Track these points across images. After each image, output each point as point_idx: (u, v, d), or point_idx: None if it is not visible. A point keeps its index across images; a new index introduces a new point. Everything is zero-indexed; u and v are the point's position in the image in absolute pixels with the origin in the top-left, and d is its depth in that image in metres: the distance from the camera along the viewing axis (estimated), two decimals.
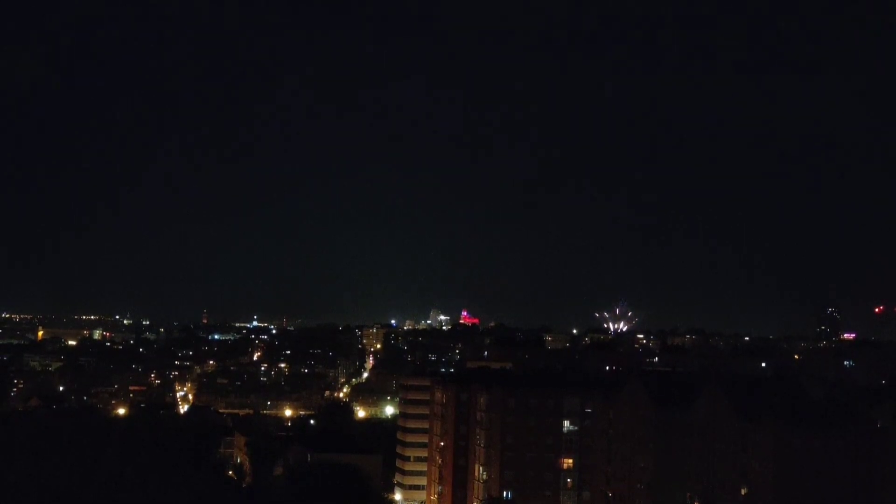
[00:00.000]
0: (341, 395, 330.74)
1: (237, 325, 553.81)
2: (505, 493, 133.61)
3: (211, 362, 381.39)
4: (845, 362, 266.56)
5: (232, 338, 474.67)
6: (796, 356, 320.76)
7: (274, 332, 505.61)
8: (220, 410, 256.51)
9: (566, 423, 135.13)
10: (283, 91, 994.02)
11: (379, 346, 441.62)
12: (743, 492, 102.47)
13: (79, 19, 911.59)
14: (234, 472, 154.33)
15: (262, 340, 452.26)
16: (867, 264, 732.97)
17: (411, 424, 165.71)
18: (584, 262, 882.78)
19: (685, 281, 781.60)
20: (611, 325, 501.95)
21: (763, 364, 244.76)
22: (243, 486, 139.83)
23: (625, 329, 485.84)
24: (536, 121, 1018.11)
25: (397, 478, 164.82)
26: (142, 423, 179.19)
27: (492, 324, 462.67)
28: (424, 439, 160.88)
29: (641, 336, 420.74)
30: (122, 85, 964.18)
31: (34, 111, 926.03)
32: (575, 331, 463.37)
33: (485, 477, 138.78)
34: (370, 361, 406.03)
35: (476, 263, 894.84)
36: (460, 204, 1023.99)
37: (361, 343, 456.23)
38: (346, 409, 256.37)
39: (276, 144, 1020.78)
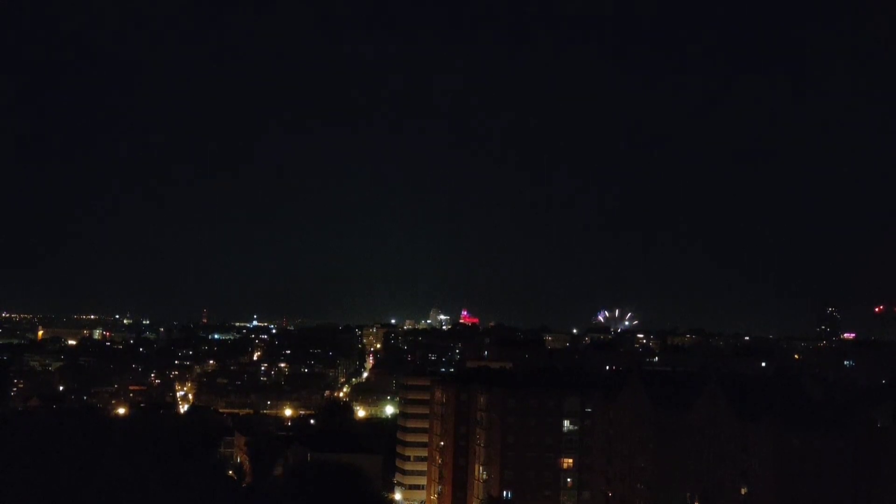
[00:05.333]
0: (341, 394, 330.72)
1: (237, 325, 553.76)
2: (505, 492, 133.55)
3: (211, 362, 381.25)
4: (845, 362, 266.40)
5: (232, 338, 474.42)
6: (796, 356, 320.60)
7: (274, 331, 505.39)
8: (220, 410, 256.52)
9: (566, 423, 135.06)
10: (283, 93, 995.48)
11: (379, 345, 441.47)
12: (743, 492, 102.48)
13: (83, 19, 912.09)
14: (234, 472, 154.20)
15: (262, 340, 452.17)
16: (867, 264, 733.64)
17: (411, 424, 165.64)
18: (583, 262, 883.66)
19: (685, 281, 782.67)
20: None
21: (763, 364, 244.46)
22: (243, 486, 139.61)
23: (625, 329, 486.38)
24: (536, 121, 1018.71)
25: (397, 478, 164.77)
26: (142, 423, 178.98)
27: (492, 324, 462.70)
28: (424, 439, 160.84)
29: (641, 336, 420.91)
30: (123, 86, 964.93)
31: (35, 111, 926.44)
32: (575, 331, 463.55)
33: (485, 477, 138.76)
34: (370, 361, 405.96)
35: (476, 263, 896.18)
36: (460, 204, 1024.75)
37: (361, 343, 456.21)
38: (346, 408, 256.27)
39: (276, 145, 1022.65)
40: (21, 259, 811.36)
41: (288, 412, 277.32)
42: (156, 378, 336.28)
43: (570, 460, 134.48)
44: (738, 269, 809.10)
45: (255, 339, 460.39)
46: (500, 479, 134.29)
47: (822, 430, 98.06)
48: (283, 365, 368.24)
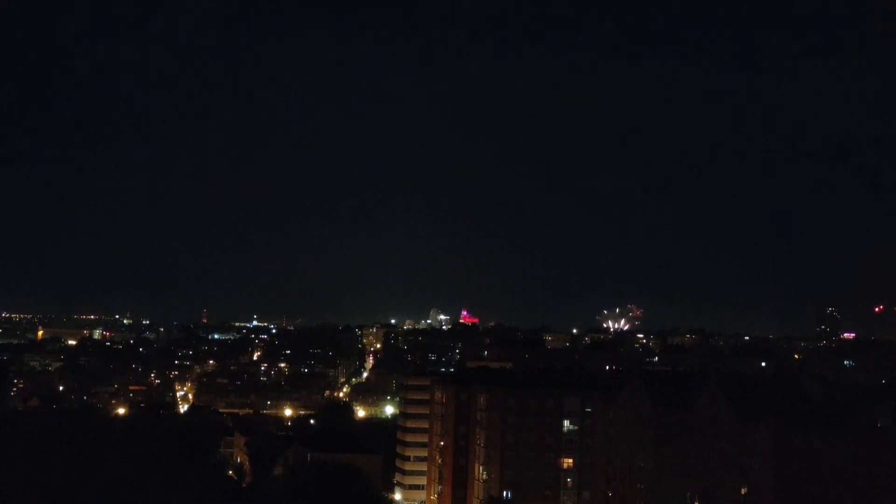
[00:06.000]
0: (341, 394, 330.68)
1: (237, 325, 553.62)
2: (505, 492, 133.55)
3: (211, 362, 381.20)
4: (845, 362, 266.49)
5: (232, 338, 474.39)
6: (796, 356, 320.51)
7: (274, 331, 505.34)
8: (220, 410, 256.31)
9: (566, 423, 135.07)
10: (284, 93, 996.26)
11: (379, 345, 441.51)
12: (743, 492, 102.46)
13: (84, 22, 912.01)
14: (234, 472, 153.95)
15: (262, 340, 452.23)
16: (867, 264, 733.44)
17: (411, 424, 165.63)
18: (583, 262, 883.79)
19: (685, 281, 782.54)
20: (611, 325, 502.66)
21: (763, 364, 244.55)
22: (243, 486, 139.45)
23: (625, 329, 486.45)
24: (537, 120, 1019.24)
25: (397, 478, 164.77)
26: (142, 423, 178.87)
27: (492, 324, 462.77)
28: (424, 439, 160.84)
29: (641, 336, 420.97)
30: (124, 86, 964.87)
31: (35, 111, 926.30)
32: (575, 331, 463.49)
33: (485, 477, 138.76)
34: (370, 361, 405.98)
35: (476, 263, 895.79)
36: (460, 204, 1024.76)
37: (361, 343, 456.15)
38: (346, 408, 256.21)
39: (276, 146, 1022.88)
40: (21, 259, 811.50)
41: (288, 412, 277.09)
42: (156, 378, 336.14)
43: (570, 460, 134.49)
44: (738, 268, 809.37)
45: (255, 339, 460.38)
46: (500, 479, 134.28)
47: (822, 430, 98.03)
48: (283, 365, 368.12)
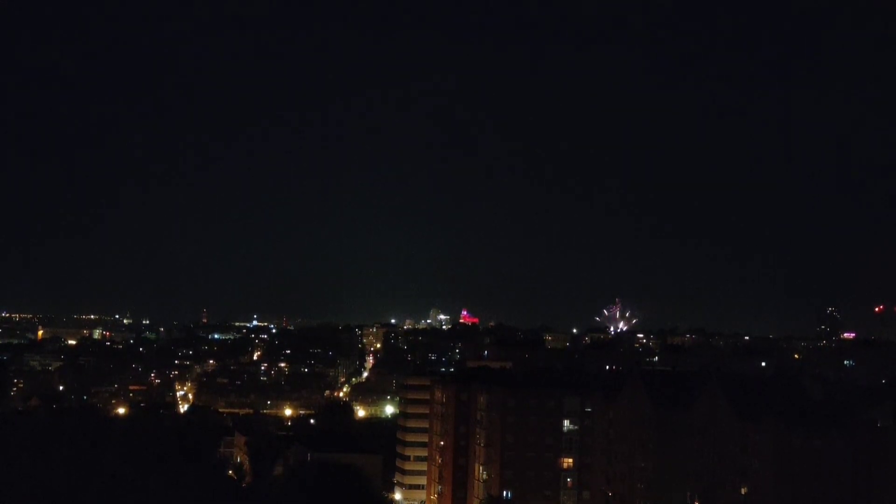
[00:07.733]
0: (341, 394, 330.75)
1: (237, 324, 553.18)
2: (505, 492, 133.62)
3: (211, 362, 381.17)
4: (845, 362, 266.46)
5: (232, 337, 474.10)
6: (796, 356, 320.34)
7: (274, 331, 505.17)
8: (220, 410, 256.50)
9: (566, 423, 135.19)
10: (282, 92, 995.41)
11: (379, 345, 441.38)
12: (743, 492, 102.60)
13: (84, 21, 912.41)
14: (234, 472, 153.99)
15: (262, 340, 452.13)
16: (867, 264, 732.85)
17: (411, 424, 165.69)
18: (583, 262, 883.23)
19: (685, 281, 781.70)
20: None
21: (763, 364, 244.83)
22: (243, 485, 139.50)
23: (625, 329, 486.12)
24: (535, 120, 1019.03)
25: (397, 477, 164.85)
26: (142, 423, 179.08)
27: (492, 324, 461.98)
28: (424, 439, 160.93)
29: (641, 336, 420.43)
30: (124, 86, 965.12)
31: (36, 111, 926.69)
32: (575, 331, 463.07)
33: (485, 476, 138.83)
34: (370, 361, 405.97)
35: (476, 263, 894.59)
36: (460, 204, 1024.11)
37: (361, 343, 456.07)
38: (346, 408, 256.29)
39: (275, 145, 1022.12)
40: (21, 259, 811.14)
41: (288, 412, 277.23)
42: (156, 378, 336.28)
43: (570, 460, 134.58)
44: (738, 268, 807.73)
45: (255, 338, 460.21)
46: (500, 479, 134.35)
47: (822, 430, 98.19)
48: (283, 365, 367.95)
